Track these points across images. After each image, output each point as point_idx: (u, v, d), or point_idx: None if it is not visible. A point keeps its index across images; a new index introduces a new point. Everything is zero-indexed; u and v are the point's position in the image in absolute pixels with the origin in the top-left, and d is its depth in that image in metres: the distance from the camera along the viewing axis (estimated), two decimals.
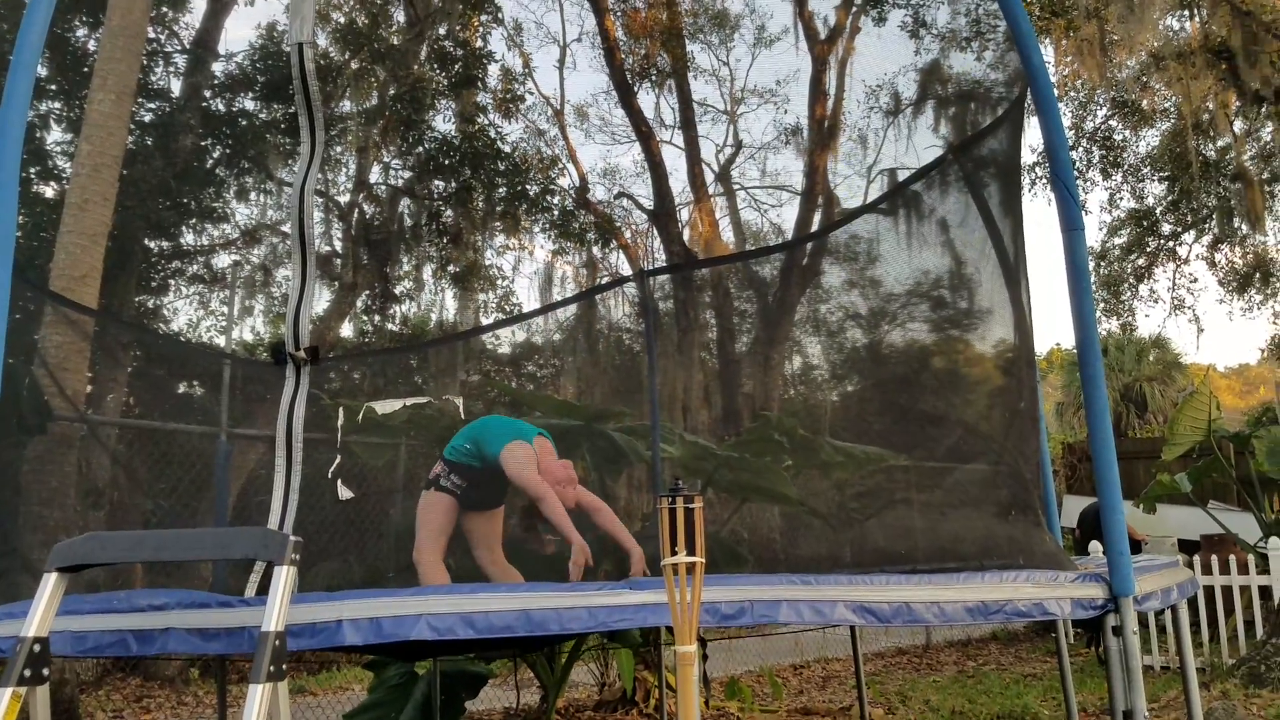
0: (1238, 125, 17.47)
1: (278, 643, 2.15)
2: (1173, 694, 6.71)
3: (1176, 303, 20.42)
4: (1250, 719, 5.65)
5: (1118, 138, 19.26)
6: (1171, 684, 7.32)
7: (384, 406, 5.74)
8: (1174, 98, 17.20)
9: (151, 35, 12.26)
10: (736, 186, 20.85)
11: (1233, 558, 8.73)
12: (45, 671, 2.24)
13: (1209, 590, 8.62)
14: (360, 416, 5.59)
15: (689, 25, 18.37)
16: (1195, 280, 21.53)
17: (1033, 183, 17.93)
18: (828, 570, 3.92)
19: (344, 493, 5.16)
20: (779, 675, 8.72)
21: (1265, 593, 8.54)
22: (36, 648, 2.22)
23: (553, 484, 4.32)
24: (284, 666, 2.16)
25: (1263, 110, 15.70)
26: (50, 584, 2.31)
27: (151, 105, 12.61)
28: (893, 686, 8.37)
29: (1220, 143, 18.17)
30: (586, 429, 6.48)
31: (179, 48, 13.48)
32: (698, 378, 8.96)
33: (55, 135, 12.31)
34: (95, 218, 7.31)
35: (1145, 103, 18.08)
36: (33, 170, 11.66)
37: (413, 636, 2.60)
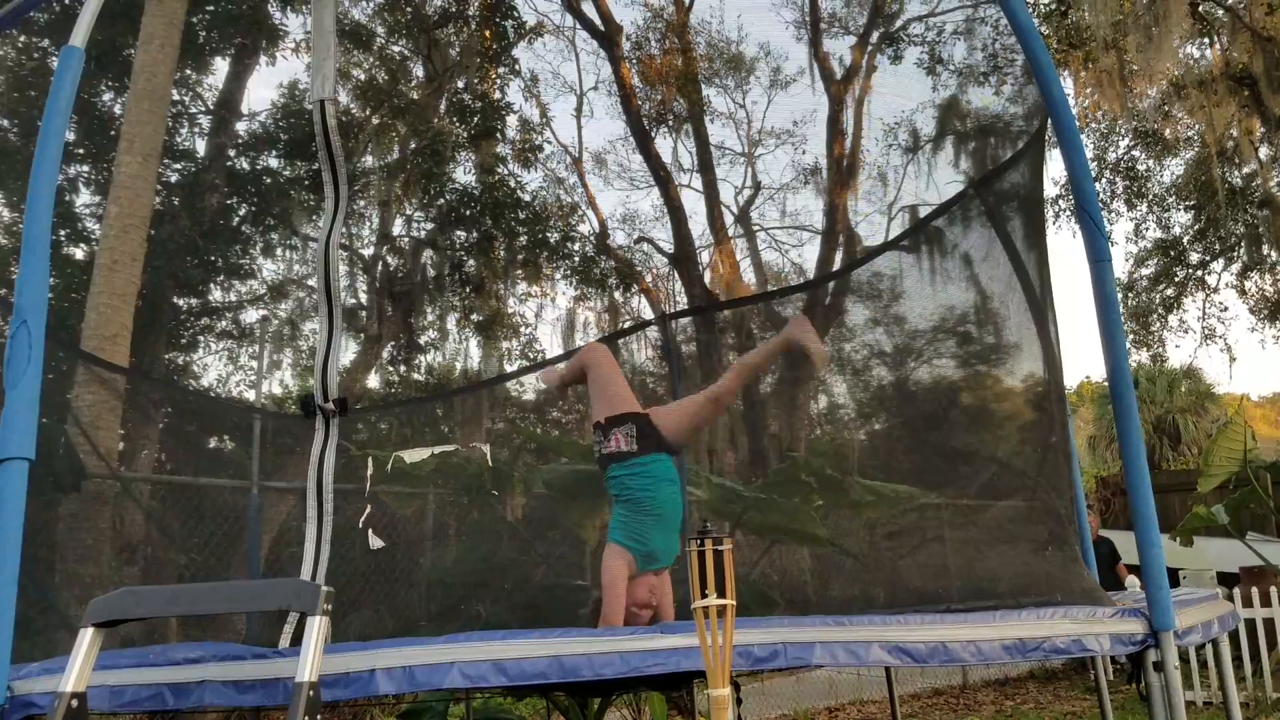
0: (1263, 152, 17.39)
1: (312, 693, 2.15)
2: None
3: (1207, 332, 20.24)
4: None
5: (1141, 168, 19.24)
6: (1214, 719, 7.18)
7: (412, 455, 5.75)
8: (1197, 126, 17.18)
9: (176, 97, 12.52)
10: (756, 227, 20.98)
11: (1274, 589, 8.56)
12: None
13: (1249, 623, 8.46)
14: (389, 466, 5.61)
15: (704, 69, 18.58)
16: (1225, 309, 21.29)
17: (1056, 214, 17.92)
18: (860, 611, 3.87)
19: (375, 542, 5.17)
20: (814, 718, 8.59)
21: None
22: (74, 703, 2.23)
23: (631, 603, 3.81)
24: (319, 717, 2.17)
25: None
26: (87, 639, 2.32)
27: (177, 166, 12.84)
28: None
29: (1246, 169, 18.10)
30: None
31: (203, 109, 13.76)
32: (723, 420, 8.95)
33: (84, 198, 12.57)
34: (125, 278, 7.43)
35: (1168, 132, 18.06)
36: (63, 233, 11.87)
37: (445, 685, 2.60)
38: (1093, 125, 18.29)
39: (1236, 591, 8.87)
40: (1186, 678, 8.20)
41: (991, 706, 9.63)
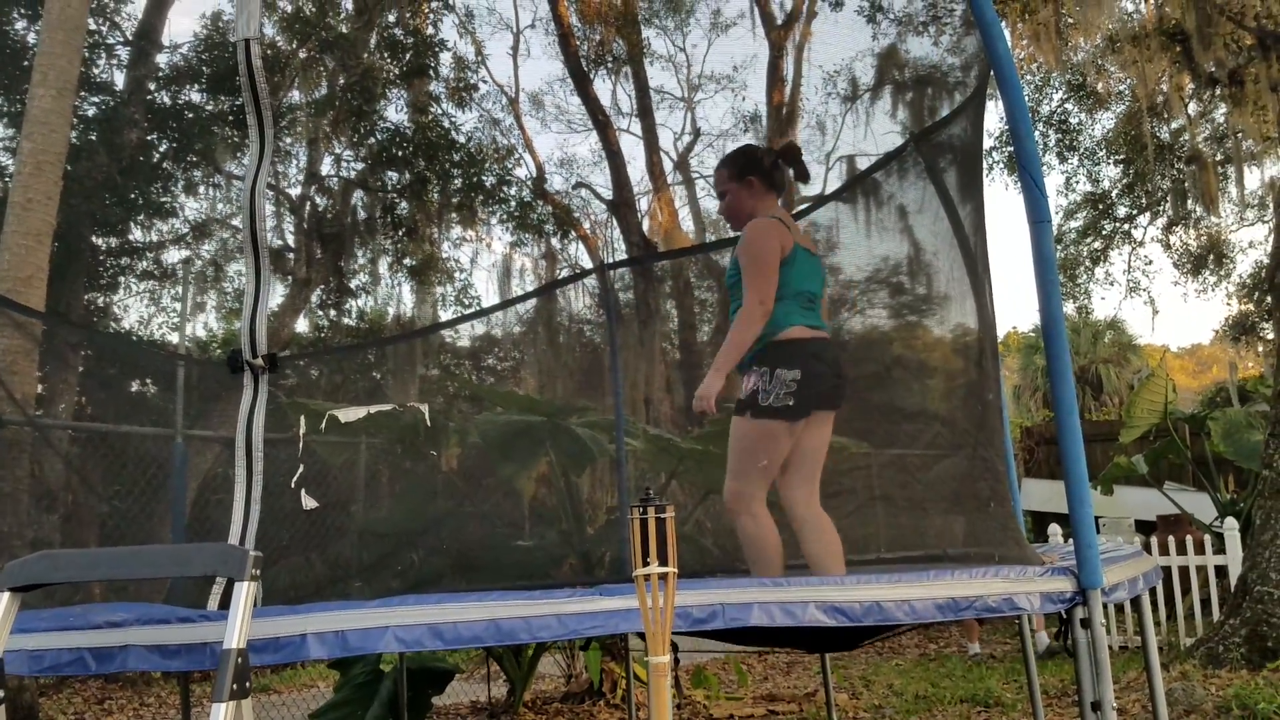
0: (1192, 107, 17.72)
1: (240, 660, 2.09)
2: (1133, 674, 6.81)
3: (1132, 285, 20.77)
4: (1209, 699, 5.74)
5: (1074, 121, 19.47)
6: (1131, 664, 7.43)
7: (347, 415, 5.63)
8: (1129, 80, 17.42)
9: (93, 27, 11.97)
10: (695, 175, 20.88)
11: (1189, 538, 8.86)
12: (0, 692, 2.18)
13: (1165, 570, 8.75)
14: (323, 423, 5.49)
15: (644, 10, 18.27)
16: (1150, 262, 21.86)
17: (990, 167, 18.09)
18: (794, 557, 3.90)
19: (308, 503, 5.06)
20: (744, 662, 8.74)
21: (1221, 572, 8.66)
22: None
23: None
24: (247, 684, 2.11)
25: (1216, 92, 15.92)
26: (3, 604, 2.24)
27: (95, 99, 12.31)
28: (856, 671, 8.43)
29: (1174, 125, 18.43)
30: (549, 425, 6.44)
31: (121, 40, 13.18)
32: (659, 369, 8.94)
33: None
34: (40, 217, 7.12)
35: (1101, 86, 18.29)
36: None
37: (379, 649, 2.55)
38: (1028, 78, 18.44)
39: (1154, 539, 9.17)
40: (1104, 622, 8.48)
41: (916, 650, 9.89)
